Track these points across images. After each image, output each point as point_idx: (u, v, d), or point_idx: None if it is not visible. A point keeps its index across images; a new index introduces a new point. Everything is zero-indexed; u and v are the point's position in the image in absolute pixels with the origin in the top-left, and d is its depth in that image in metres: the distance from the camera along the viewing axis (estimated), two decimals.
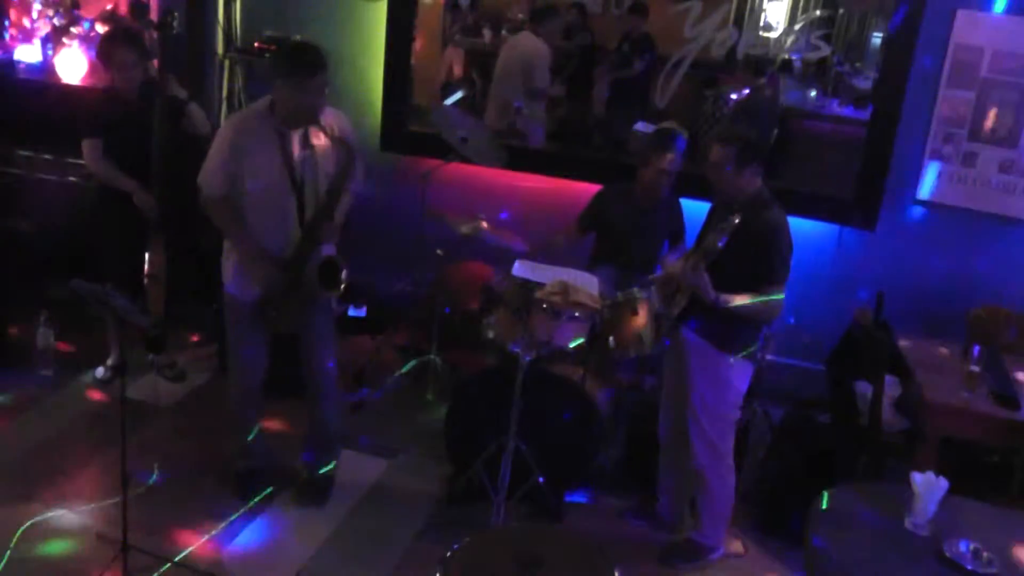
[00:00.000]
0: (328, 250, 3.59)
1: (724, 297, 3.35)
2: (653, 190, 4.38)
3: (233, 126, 3.50)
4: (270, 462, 4.04)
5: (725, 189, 3.44)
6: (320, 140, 3.51)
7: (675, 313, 3.55)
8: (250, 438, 3.95)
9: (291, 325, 3.69)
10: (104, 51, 4.32)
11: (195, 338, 5.23)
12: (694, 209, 4.63)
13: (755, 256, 3.35)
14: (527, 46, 5.83)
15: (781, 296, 3.38)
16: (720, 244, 3.30)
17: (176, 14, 4.47)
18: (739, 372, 3.52)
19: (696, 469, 3.63)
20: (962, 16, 4.60)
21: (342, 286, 3.55)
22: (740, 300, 3.35)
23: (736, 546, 3.88)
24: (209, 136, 4.46)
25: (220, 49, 5.54)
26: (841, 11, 5.72)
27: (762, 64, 5.52)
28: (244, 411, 3.91)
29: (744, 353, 3.49)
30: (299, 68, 3.35)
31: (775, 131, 5.46)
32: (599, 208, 4.54)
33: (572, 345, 3.68)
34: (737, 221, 3.30)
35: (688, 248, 4.50)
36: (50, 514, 3.70)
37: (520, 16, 6.32)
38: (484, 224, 4.42)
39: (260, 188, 3.45)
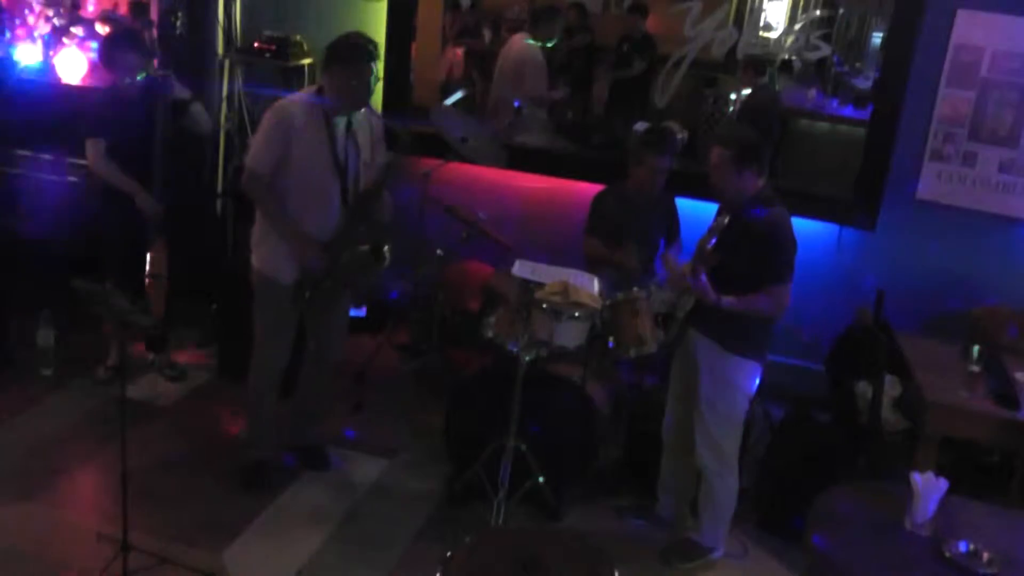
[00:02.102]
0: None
1: (727, 299, 3.35)
2: (646, 188, 4.38)
3: (280, 111, 3.61)
4: (276, 455, 4.07)
5: (726, 191, 3.44)
6: (361, 128, 3.70)
7: (682, 315, 3.55)
8: (263, 429, 3.99)
9: (322, 307, 3.79)
10: (107, 53, 4.32)
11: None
12: (694, 209, 4.64)
13: (758, 256, 3.35)
14: (518, 52, 5.81)
15: (786, 293, 3.38)
16: (710, 245, 3.30)
17: (180, 14, 4.47)
18: (747, 374, 3.52)
19: (699, 470, 3.63)
20: (962, 16, 4.60)
21: (386, 260, 3.68)
22: (741, 300, 3.35)
23: (736, 546, 3.88)
24: (211, 136, 4.48)
25: (220, 49, 5.54)
26: (841, 11, 5.71)
27: (762, 64, 5.51)
28: (263, 401, 3.94)
29: (753, 355, 3.49)
30: (358, 55, 3.56)
31: (777, 131, 5.46)
32: (599, 211, 4.53)
33: (572, 345, 3.68)
34: (726, 221, 3.30)
35: (681, 245, 4.53)
36: (50, 514, 3.70)
37: (513, 17, 6.30)
38: (482, 222, 4.42)
39: (306, 171, 3.59)
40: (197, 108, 4.46)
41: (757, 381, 3.57)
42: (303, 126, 3.57)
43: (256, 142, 3.65)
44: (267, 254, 3.71)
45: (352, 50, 3.57)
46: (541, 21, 5.86)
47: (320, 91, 3.63)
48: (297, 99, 3.66)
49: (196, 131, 4.48)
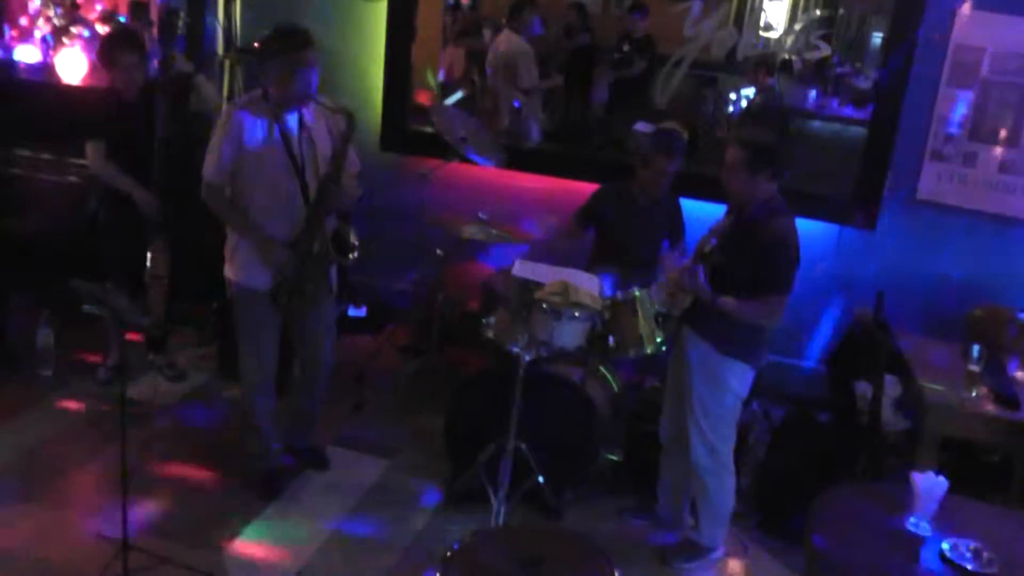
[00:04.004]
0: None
1: (722, 299, 3.35)
2: (652, 190, 4.38)
3: (229, 116, 3.55)
4: (277, 457, 4.06)
5: (738, 192, 3.42)
6: (315, 121, 3.60)
7: (677, 314, 3.55)
8: (267, 437, 3.96)
9: (302, 309, 3.74)
10: (106, 52, 4.32)
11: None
12: (694, 209, 4.64)
13: (759, 263, 3.33)
14: (506, 46, 5.83)
15: (781, 305, 3.37)
16: (709, 246, 3.30)
17: (182, 14, 4.47)
18: (739, 376, 3.51)
19: (695, 471, 3.63)
20: (962, 16, 4.60)
21: (355, 251, 3.62)
22: (737, 303, 3.35)
23: (736, 546, 3.88)
24: (216, 104, 4.48)
25: (220, 49, 5.54)
26: (841, 11, 5.72)
27: (772, 66, 5.52)
28: (259, 410, 3.90)
29: (745, 358, 3.49)
30: (290, 46, 3.44)
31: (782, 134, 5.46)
32: (597, 206, 4.54)
33: (572, 345, 3.68)
34: (729, 225, 3.29)
35: (685, 247, 4.53)
36: (50, 514, 3.70)
37: (503, 18, 6.32)
38: (487, 225, 4.42)
39: (263, 173, 3.53)
40: (201, 80, 4.44)
41: (749, 384, 3.57)
42: (253, 130, 3.49)
43: (209, 153, 3.57)
44: (241, 264, 3.66)
45: (284, 42, 3.44)
46: (517, 13, 5.89)
47: (265, 93, 3.52)
48: (244, 101, 3.58)
49: (203, 108, 4.45)
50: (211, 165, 3.55)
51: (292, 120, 3.55)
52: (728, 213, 3.57)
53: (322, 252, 3.64)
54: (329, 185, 3.57)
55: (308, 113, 3.59)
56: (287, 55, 3.42)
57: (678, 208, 4.57)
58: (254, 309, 3.71)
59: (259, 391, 3.87)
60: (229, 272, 3.72)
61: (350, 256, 3.67)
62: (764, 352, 3.58)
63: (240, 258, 3.66)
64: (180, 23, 4.43)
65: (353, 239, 3.65)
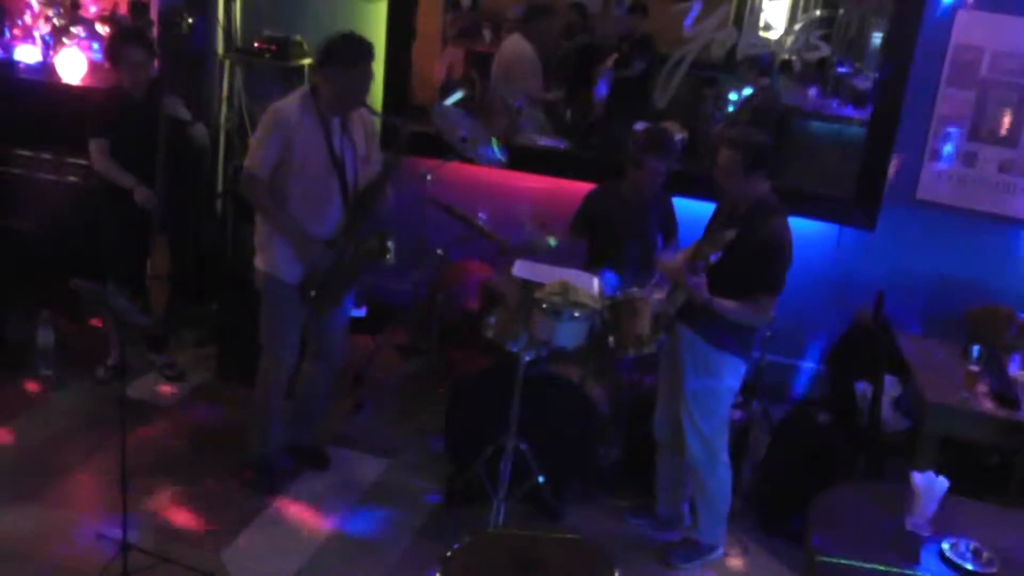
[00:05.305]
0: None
1: (717, 301, 3.35)
2: (643, 189, 4.37)
3: (277, 112, 3.61)
4: (277, 457, 4.07)
5: (732, 193, 3.44)
6: (353, 123, 3.71)
7: (674, 311, 3.56)
8: (272, 434, 3.98)
9: (330, 304, 3.79)
10: (113, 51, 4.32)
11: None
12: (694, 209, 4.63)
13: (753, 263, 3.35)
14: (509, 51, 5.78)
15: (772, 304, 3.39)
16: (713, 259, 3.30)
17: (186, 14, 4.47)
18: (732, 369, 3.53)
19: (691, 466, 3.64)
20: (962, 16, 4.61)
21: (391, 253, 3.73)
22: (731, 305, 3.36)
23: (736, 546, 3.88)
24: (208, 150, 4.52)
25: (220, 49, 5.54)
26: (841, 11, 5.72)
27: (764, 64, 5.51)
28: (272, 406, 3.92)
29: (737, 352, 3.50)
30: (356, 57, 3.55)
31: (780, 133, 5.46)
32: (591, 211, 4.51)
33: (572, 345, 3.68)
34: (732, 236, 3.30)
35: (678, 243, 4.52)
36: (50, 514, 3.70)
37: (512, 17, 6.29)
38: (483, 222, 4.43)
39: (305, 172, 3.60)
40: (198, 129, 4.47)
41: (741, 377, 3.59)
42: (300, 127, 3.56)
43: (254, 145, 3.66)
44: (273, 255, 3.70)
45: (353, 52, 3.56)
46: (533, 18, 5.83)
47: (314, 91, 3.62)
48: (292, 100, 3.64)
49: (195, 145, 4.50)
50: (256, 159, 3.60)
51: (335, 121, 3.64)
52: (719, 214, 3.57)
53: (358, 255, 3.70)
54: (375, 192, 3.67)
55: (351, 119, 3.69)
56: (353, 66, 3.53)
57: (670, 206, 4.56)
58: (282, 301, 3.74)
59: (278, 386, 3.89)
60: (260, 263, 3.75)
61: (385, 256, 3.73)
62: (754, 345, 3.59)
63: (273, 249, 3.69)
64: (184, 23, 4.43)
65: (390, 244, 3.71)
